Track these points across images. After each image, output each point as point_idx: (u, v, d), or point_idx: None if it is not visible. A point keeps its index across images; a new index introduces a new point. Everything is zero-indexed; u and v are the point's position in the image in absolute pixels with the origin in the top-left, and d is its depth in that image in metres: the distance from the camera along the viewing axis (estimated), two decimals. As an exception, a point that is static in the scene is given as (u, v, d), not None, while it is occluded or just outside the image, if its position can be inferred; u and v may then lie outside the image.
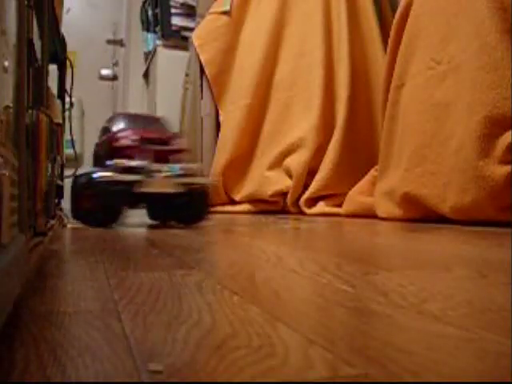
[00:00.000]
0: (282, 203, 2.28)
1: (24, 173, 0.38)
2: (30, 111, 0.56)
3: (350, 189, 1.90)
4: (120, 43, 4.07)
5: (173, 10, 3.41)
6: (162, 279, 0.46)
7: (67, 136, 1.39)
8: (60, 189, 1.19)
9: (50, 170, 0.76)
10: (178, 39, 3.41)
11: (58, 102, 1.10)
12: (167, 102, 3.32)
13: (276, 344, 0.25)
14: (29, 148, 0.53)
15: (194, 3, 3.37)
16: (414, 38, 1.57)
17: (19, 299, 0.33)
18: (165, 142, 1.27)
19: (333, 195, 2.03)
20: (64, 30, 1.25)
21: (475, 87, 1.27)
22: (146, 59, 3.73)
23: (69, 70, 1.38)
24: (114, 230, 1.26)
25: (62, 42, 1.26)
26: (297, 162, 2.16)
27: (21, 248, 0.32)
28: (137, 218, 1.52)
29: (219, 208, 2.57)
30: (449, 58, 1.40)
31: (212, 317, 0.31)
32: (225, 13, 2.70)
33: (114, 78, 4.10)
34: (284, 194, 2.24)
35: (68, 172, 1.40)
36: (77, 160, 1.64)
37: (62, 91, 1.33)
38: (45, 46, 0.77)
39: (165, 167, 1.19)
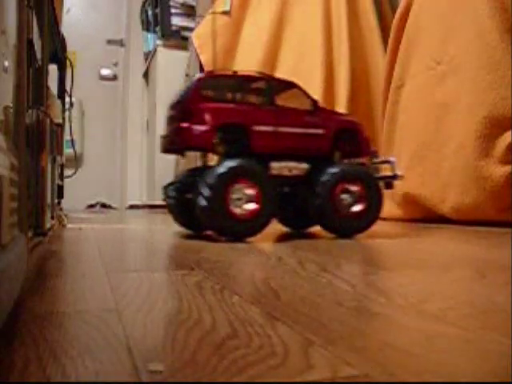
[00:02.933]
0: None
1: (24, 173, 0.38)
2: (30, 111, 0.56)
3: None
4: (120, 43, 4.07)
5: (173, 10, 3.41)
6: (162, 279, 0.46)
7: (67, 136, 1.39)
8: (60, 189, 1.19)
9: (50, 169, 0.76)
10: (178, 39, 3.41)
11: (58, 102, 1.10)
12: (167, 102, 3.31)
13: (276, 344, 0.25)
14: (29, 148, 0.53)
15: (193, 3, 3.37)
16: (414, 37, 1.57)
17: (19, 299, 0.33)
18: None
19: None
20: (64, 30, 1.26)
21: (475, 87, 1.27)
22: (146, 59, 3.74)
23: (69, 70, 1.38)
24: (113, 230, 1.26)
25: (62, 42, 1.26)
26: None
27: (21, 248, 0.32)
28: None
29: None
30: (449, 58, 1.40)
31: (212, 317, 0.31)
32: (225, 13, 2.70)
33: (114, 77, 4.10)
34: (284, 194, 2.24)
35: (68, 172, 1.40)
36: (77, 160, 1.65)
37: (62, 91, 1.33)
38: (45, 46, 0.77)
39: None
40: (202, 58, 2.78)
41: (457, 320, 0.30)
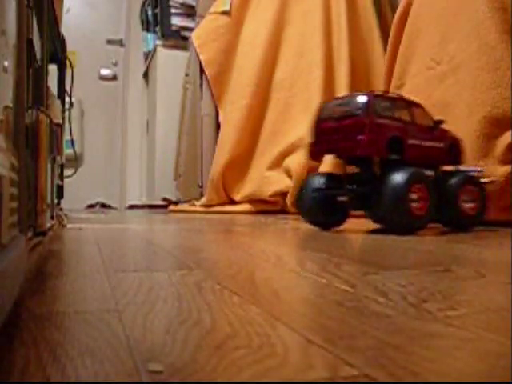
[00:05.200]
0: (282, 203, 2.28)
1: (24, 173, 0.38)
2: (29, 111, 0.56)
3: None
4: (120, 43, 4.07)
5: (172, 10, 3.42)
6: (162, 279, 0.46)
7: (67, 136, 1.39)
8: (60, 189, 1.19)
9: (49, 169, 0.76)
10: (178, 39, 3.42)
11: (58, 102, 1.10)
12: (167, 102, 3.32)
13: (276, 344, 0.25)
14: (29, 148, 0.53)
15: (193, 3, 3.37)
16: (413, 38, 1.57)
17: (19, 299, 0.33)
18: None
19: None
20: (64, 30, 1.26)
21: (475, 87, 1.27)
22: (146, 59, 3.74)
23: (69, 70, 1.38)
24: (113, 230, 1.26)
25: (62, 42, 1.26)
26: (296, 161, 2.16)
27: (21, 248, 0.32)
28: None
29: (219, 208, 2.57)
30: (449, 58, 1.40)
31: (212, 317, 0.31)
32: (224, 13, 2.70)
33: (114, 77, 4.10)
34: (284, 194, 2.24)
35: (68, 172, 1.40)
36: (76, 160, 1.65)
37: (61, 91, 1.33)
38: (45, 46, 0.77)
39: None
40: (202, 58, 2.78)
41: (456, 320, 0.30)
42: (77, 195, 2.91)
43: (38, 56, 0.69)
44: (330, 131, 1.10)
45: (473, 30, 1.31)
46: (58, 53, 1.20)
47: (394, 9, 1.97)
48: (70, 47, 1.36)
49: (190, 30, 3.23)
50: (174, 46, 3.40)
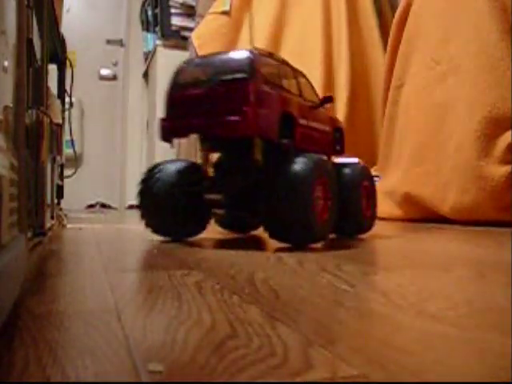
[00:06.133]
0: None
1: (24, 173, 0.38)
2: (29, 111, 0.56)
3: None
4: (120, 43, 4.07)
5: (172, 10, 3.41)
6: (162, 279, 0.46)
7: (67, 136, 1.39)
8: (60, 189, 1.19)
9: (49, 169, 0.76)
10: (178, 39, 3.41)
11: (58, 102, 1.10)
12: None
13: (276, 344, 0.25)
14: (29, 148, 0.53)
15: (193, 3, 3.37)
16: (413, 38, 1.57)
17: (19, 299, 0.33)
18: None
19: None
20: (64, 30, 1.26)
21: (475, 87, 1.27)
22: (146, 59, 3.74)
23: (69, 70, 1.38)
24: (113, 230, 1.26)
25: (62, 42, 1.26)
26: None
27: (21, 248, 0.32)
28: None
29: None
30: (449, 58, 1.40)
31: (212, 317, 0.31)
32: (224, 13, 2.70)
33: (114, 77, 4.10)
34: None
35: (68, 172, 1.40)
36: (76, 160, 1.65)
37: (61, 91, 1.33)
38: (45, 46, 0.77)
39: None
40: (202, 58, 2.78)
41: (456, 320, 0.30)
42: (77, 195, 2.91)
43: (38, 56, 0.69)
44: (193, 101, 0.76)
45: (473, 29, 1.31)
46: (58, 53, 1.20)
47: (394, 9, 1.97)
48: (69, 47, 1.36)
49: (190, 30, 3.23)
50: (174, 46, 3.40)
